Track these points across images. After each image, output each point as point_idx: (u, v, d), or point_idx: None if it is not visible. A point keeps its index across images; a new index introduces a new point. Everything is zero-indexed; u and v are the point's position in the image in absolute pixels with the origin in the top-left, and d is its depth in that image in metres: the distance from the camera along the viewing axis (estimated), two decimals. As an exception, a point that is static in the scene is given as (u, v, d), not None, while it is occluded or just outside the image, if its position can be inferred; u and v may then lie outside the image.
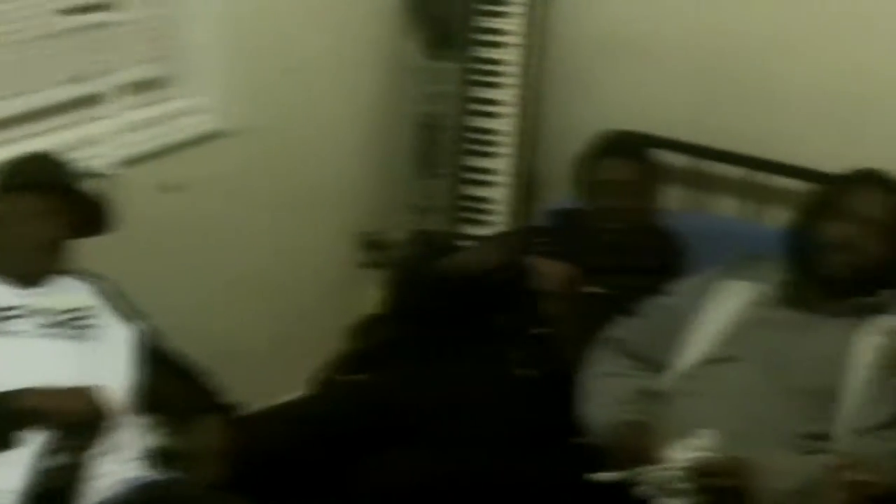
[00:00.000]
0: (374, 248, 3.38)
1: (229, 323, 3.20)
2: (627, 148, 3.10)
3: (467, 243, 3.31)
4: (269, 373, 3.20)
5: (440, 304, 2.94)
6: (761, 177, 3.16)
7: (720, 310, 2.62)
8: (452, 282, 2.93)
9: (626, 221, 2.99)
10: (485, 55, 3.43)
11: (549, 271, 2.85)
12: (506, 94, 3.44)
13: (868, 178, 2.68)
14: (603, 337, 2.70)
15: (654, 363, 2.65)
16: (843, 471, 2.10)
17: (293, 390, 3.17)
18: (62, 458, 2.27)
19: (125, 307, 2.61)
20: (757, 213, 3.22)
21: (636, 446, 2.40)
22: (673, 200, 3.20)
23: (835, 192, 2.69)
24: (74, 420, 2.30)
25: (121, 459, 2.37)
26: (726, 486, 2.31)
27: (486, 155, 3.48)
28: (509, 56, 3.41)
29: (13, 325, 2.43)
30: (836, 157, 2.85)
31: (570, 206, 3.15)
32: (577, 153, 3.11)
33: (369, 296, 3.41)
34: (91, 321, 2.51)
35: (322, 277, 3.51)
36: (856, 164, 2.73)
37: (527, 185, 3.51)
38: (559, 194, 3.34)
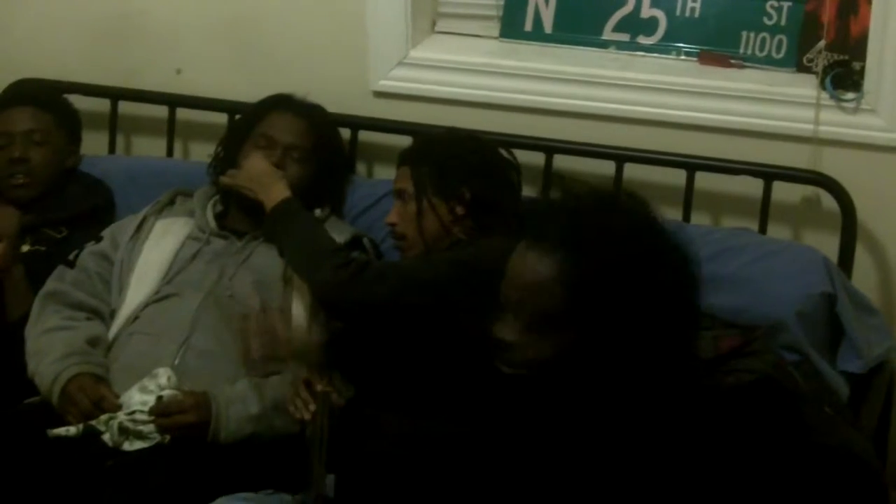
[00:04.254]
0: None
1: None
2: (35, 96, 2.99)
3: None
4: None
5: None
6: (183, 113, 3.18)
7: (156, 249, 2.64)
8: None
9: (34, 172, 2.88)
10: None
11: None
12: None
13: (282, 105, 2.78)
14: (42, 293, 2.62)
15: (98, 311, 2.62)
16: (308, 385, 2.20)
17: None
18: None
19: None
20: (183, 150, 3.26)
21: (88, 397, 2.37)
22: (96, 145, 3.16)
23: (253, 121, 2.77)
24: None
25: None
26: (187, 422, 2.35)
27: None
28: None
29: None
30: (248, 87, 2.95)
31: None
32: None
33: None
34: None
35: None
36: (266, 92, 2.84)
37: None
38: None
